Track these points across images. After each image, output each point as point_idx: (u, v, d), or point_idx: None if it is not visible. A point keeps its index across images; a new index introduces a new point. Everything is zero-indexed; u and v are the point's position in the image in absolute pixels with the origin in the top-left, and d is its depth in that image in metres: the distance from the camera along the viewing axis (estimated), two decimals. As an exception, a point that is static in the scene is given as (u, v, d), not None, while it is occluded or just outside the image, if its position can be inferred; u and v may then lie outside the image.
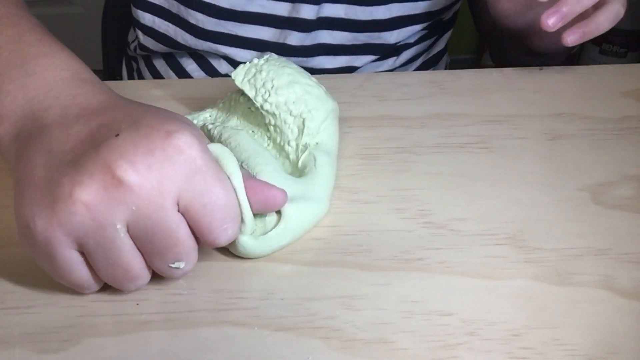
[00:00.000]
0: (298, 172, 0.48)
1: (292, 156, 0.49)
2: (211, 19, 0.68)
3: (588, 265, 0.45)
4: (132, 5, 0.72)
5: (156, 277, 0.44)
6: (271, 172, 0.45)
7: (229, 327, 0.41)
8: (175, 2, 0.69)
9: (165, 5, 0.70)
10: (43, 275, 0.42)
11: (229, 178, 0.41)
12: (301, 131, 0.48)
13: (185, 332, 0.41)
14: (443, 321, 0.42)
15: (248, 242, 0.43)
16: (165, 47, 0.73)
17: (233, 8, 0.67)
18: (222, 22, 0.68)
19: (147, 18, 0.71)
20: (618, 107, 0.57)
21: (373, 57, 0.72)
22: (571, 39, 0.54)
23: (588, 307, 0.42)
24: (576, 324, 0.41)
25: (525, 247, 0.46)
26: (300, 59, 0.69)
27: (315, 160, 0.48)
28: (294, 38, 0.68)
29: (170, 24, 0.71)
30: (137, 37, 0.75)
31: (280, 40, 0.68)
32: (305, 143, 0.48)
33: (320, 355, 0.40)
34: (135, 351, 0.40)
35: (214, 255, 0.45)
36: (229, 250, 0.45)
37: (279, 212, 0.44)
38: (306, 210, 0.46)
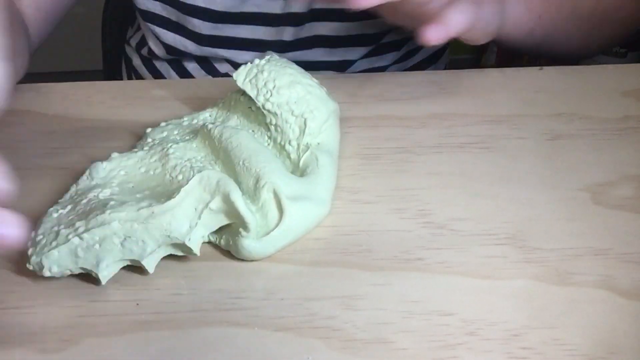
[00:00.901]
0: (299, 171, 0.48)
1: (293, 156, 0.49)
2: (207, 23, 0.68)
3: (588, 265, 0.45)
4: (141, 19, 0.73)
5: (156, 277, 0.44)
6: (273, 170, 0.45)
7: (229, 327, 0.41)
8: (174, 11, 0.69)
9: (165, 14, 0.70)
10: (42, 275, 0.42)
11: (229, 193, 0.42)
12: (302, 131, 0.48)
13: (185, 332, 0.41)
14: (443, 321, 0.42)
15: (252, 245, 0.44)
16: (170, 56, 0.74)
17: (227, 10, 0.67)
18: (219, 25, 0.68)
19: (155, 30, 0.72)
20: (618, 107, 0.57)
21: (369, 49, 0.72)
22: (428, 36, 0.49)
23: (588, 307, 0.42)
24: (576, 324, 0.41)
25: (525, 247, 0.46)
26: (296, 53, 0.69)
27: (317, 160, 0.48)
28: (289, 33, 0.68)
29: (169, 32, 0.71)
30: (147, 43, 0.76)
31: (277, 37, 0.69)
32: (307, 143, 0.48)
33: (320, 355, 0.40)
34: (135, 351, 0.40)
35: (214, 255, 0.45)
36: (231, 252, 0.45)
37: (281, 211, 0.44)
38: (308, 210, 0.46)
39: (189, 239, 0.43)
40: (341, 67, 0.72)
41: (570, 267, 0.44)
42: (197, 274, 0.44)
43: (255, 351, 0.40)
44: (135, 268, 0.44)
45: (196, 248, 0.43)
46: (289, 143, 0.49)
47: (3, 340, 0.41)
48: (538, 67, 0.62)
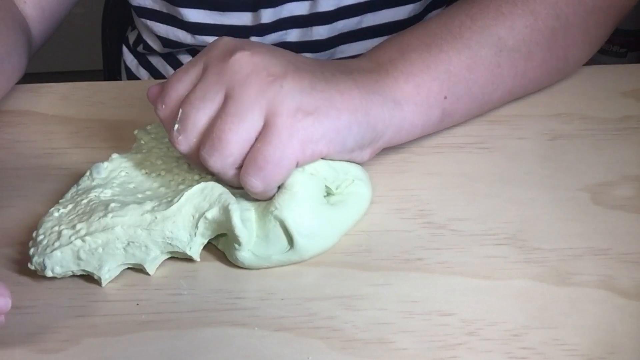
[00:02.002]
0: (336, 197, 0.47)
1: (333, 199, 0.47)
2: (194, 11, 0.68)
3: (588, 265, 0.45)
4: (135, 15, 0.73)
5: (156, 277, 0.44)
6: (287, 202, 0.43)
7: (229, 327, 0.41)
8: (164, 3, 0.69)
9: (156, 7, 0.71)
10: (43, 275, 0.42)
11: (229, 205, 0.42)
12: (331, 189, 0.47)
13: (185, 332, 0.41)
14: (443, 321, 0.42)
15: (247, 257, 0.44)
16: (166, 49, 0.74)
17: None
18: (206, 12, 0.69)
19: (148, 24, 0.72)
20: (618, 107, 0.57)
21: (344, 22, 0.71)
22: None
23: (588, 307, 0.42)
24: (576, 324, 0.41)
25: (525, 247, 0.46)
26: (277, 33, 0.69)
27: (357, 194, 0.46)
28: (267, 15, 0.68)
29: (162, 25, 0.71)
30: (143, 39, 0.76)
31: (257, 22, 0.69)
32: (340, 184, 0.46)
33: (320, 355, 0.40)
34: (135, 351, 0.40)
35: (214, 255, 0.45)
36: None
37: (291, 242, 0.44)
38: (319, 245, 0.45)
39: (190, 249, 0.43)
40: (318, 47, 0.71)
41: (570, 267, 0.44)
42: (197, 274, 0.44)
43: (255, 351, 0.40)
44: (135, 268, 0.44)
45: (197, 256, 0.44)
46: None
47: (3, 340, 0.41)
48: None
